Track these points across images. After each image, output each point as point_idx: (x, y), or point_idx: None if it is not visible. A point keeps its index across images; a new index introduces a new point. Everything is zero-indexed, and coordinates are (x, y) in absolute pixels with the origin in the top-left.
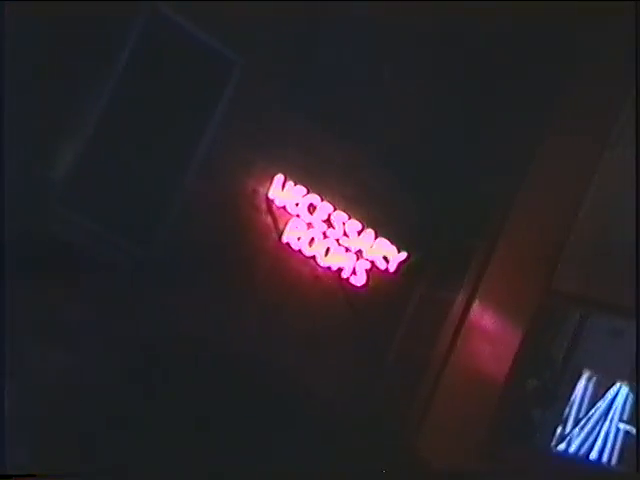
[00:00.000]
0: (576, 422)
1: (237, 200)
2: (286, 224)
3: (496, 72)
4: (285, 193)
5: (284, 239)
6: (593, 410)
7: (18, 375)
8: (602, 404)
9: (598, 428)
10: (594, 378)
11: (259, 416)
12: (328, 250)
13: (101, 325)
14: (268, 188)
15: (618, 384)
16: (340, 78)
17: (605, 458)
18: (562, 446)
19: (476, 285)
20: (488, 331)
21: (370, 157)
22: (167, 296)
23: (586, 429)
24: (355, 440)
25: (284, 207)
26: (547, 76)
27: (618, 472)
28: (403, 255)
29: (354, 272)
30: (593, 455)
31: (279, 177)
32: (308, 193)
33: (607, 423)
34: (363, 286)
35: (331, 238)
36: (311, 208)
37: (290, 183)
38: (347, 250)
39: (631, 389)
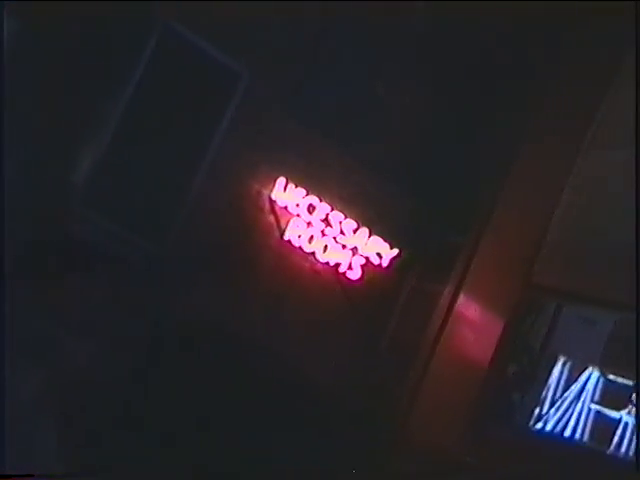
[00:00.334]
0: (552, 403)
1: (242, 201)
2: (288, 223)
3: (481, 74)
4: (287, 194)
5: (286, 237)
6: (567, 392)
7: (42, 362)
8: (575, 387)
9: (572, 408)
10: (568, 363)
11: (262, 397)
12: (326, 247)
13: (117, 314)
14: (271, 190)
15: (590, 368)
16: (337, 90)
17: (578, 435)
18: (540, 425)
19: (462, 279)
20: (473, 321)
21: (365, 162)
22: (178, 288)
23: (561, 409)
24: (350, 420)
25: (286, 207)
26: (531, 77)
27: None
28: (395, 251)
29: (350, 267)
30: (567, 433)
31: (281, 180)
32: (308, 195)
33: (580, 404)
34: (358, 280)
35: (329, 236)
36: (311, 208)
37: (291, 185)
38: (344, 247)
39: (601, 373)
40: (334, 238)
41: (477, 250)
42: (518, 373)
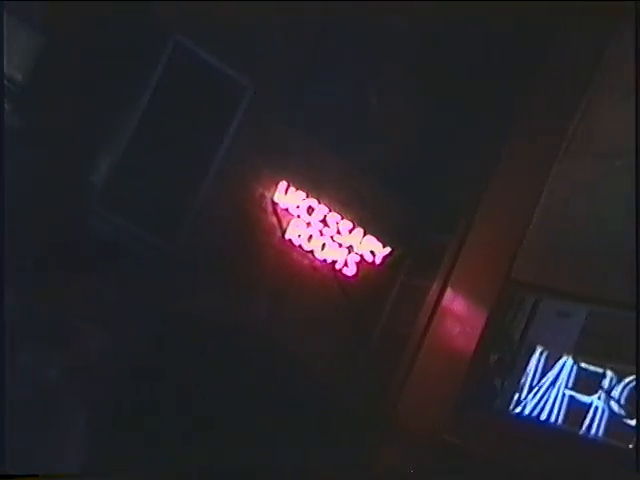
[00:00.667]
0: (530, 389)
1: (247, 203)
2: (288, 223)
3: (464, 76)
4: (288, 197)
5: (287, 236)
6: (544, 379)
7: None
8: (551, 374)
9: (548, 394)
10: (545, 352)
11: (265, 384)
12: (324, 245)
13: (132, 306)
14: (273, 193)
15: (564, 357)
16: (335, 100)
17: (553, 418)
18: (519, 409)
19: (448, 275)
20: (458, 314)
21: (360, 167)
22: (188, 283)
23: (538, 395)
24: (345, 404)
25: (287, 209)
26: (513, 78)
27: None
28: (387, 250)
29: (346, 264)
30: (544, 416)
31: (283, 183)
32: (307, 197)
33: (555, 390)
34: (354, 276)
35: (327, 235)
36: (310, 210)
37: (292, 189)
38: (340, 246)
39: (575, 361)
40: (331, 237)
41: (462, 248)
42: (499, 362)
